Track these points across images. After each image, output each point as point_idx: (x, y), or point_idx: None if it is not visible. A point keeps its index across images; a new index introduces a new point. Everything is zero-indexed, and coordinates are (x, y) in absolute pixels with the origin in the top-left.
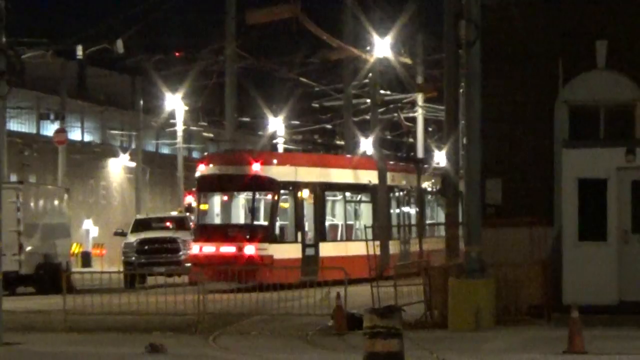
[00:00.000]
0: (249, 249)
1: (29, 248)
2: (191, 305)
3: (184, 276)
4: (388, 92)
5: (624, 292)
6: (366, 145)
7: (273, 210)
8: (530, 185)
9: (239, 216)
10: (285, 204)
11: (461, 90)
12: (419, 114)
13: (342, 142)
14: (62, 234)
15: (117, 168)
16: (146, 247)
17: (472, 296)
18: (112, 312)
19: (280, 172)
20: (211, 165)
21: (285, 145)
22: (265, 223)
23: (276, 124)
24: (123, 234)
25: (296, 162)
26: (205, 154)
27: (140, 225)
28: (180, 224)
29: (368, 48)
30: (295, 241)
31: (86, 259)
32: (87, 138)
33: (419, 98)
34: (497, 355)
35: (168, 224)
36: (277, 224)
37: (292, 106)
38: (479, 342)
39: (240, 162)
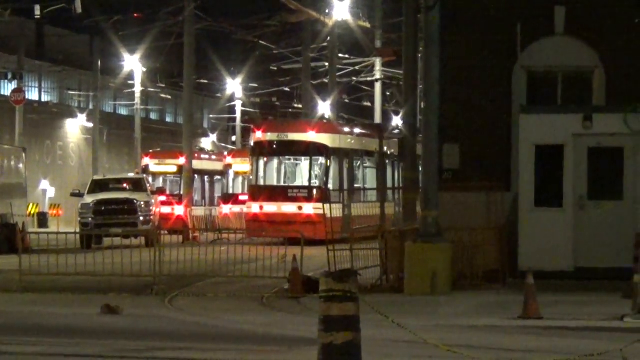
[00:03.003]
0: (308, 208)
1: None
2: (147, 267)
3: (140, 237)
4: (346, 56)
5: (579, 258)
6: (324, 108)
7: (326, 174)
8: (487, 151)
9: (297, 179)
10: (331, 169)
11: (420, 55)
12: (377, 78)
13: (300, 105)
14: (19, 194)
15: (75, 128)
16: (103, 208)
17: (428, 260)
18: (68, 273)
19: (329, 139)
20: (269, 132)
21: (243, 108)
22: (320, 185)
23: (234, 86)
24: (80, 195)
25: (338, 130)
26: (261, 120)
27: (97, 186)
28: (137, 185)
29: (327, 11)
30: (339, 201)
31: (43, 219)
32: (45, 98)
33: (378, 62)
34: (453, 320)
35: (125, 185)
36: (329, 186)
37: (250, 69)
38: (434, 306)
39: (298, 130)
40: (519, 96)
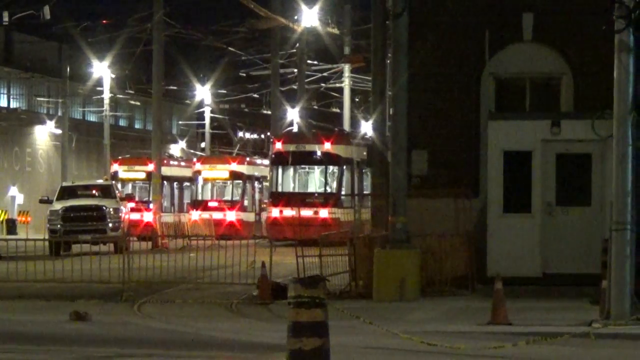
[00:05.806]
0: (324, 213)
1: None
2: (116, 274)
3: (109, 244)
4: (315, 62)
5: (547, 264)
6: (293, 114)
7: (340, 182)
8: (456, 157)
9: (314, 186)
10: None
11: (388, 61)
12: (346, 84)
13: (269, 112)
14: None
15: (44, 135)
16: (72, 215)
17: (397, 267)
18: (37, 280)
19: (342, 150)
20: (288, 143)
21: (212, 114)
22: (335, 192)
23: (203, 93)
24: (48, 202)
25: (350, 141)
26: (281, 132)
27: (66, 192)
28: (106, 191)
29: (296, 18)
30: (351, 207)
31: (11, 226)
32: (13, 105)
33: (346, 68)
34: (421, 326)
35: (94, 191)
36: (342, 193)
37: (219, 75)
38: (403, 312)
39: (315, 141)
40: (487, 102)
